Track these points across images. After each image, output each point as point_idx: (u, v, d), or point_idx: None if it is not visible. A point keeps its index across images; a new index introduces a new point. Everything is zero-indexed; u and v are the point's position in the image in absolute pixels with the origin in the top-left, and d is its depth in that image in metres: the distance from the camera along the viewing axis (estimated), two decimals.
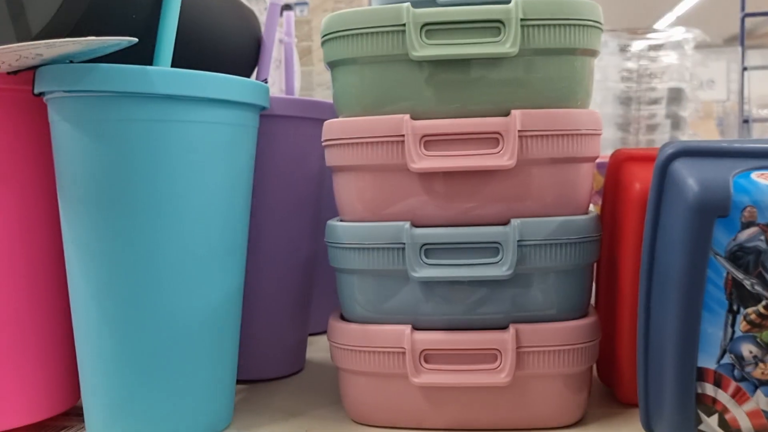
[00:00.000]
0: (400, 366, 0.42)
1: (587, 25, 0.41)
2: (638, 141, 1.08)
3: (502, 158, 0.40)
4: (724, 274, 0.33)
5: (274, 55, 0.64)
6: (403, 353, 0.42)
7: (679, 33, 1.07)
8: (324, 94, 0.91)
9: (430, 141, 0.41)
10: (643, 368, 0.37)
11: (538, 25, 0.40)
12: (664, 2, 4.62)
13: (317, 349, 0.63)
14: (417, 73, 0.41)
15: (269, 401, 0.50)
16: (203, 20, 0.47)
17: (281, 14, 0.92)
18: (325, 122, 0.44)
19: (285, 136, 0.51)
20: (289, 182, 0.52)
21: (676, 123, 1.08)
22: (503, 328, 0.41)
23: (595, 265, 0.45)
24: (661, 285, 0.35)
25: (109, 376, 0.40)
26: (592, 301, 0.47)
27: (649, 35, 1.04)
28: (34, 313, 0.43)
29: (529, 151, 0.40)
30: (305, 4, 1.13)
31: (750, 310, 0.33)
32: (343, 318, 0.45)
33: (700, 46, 1.25)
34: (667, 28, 1.06)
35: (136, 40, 0.38)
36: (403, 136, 0.40)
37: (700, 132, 1.94)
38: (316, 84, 0.92)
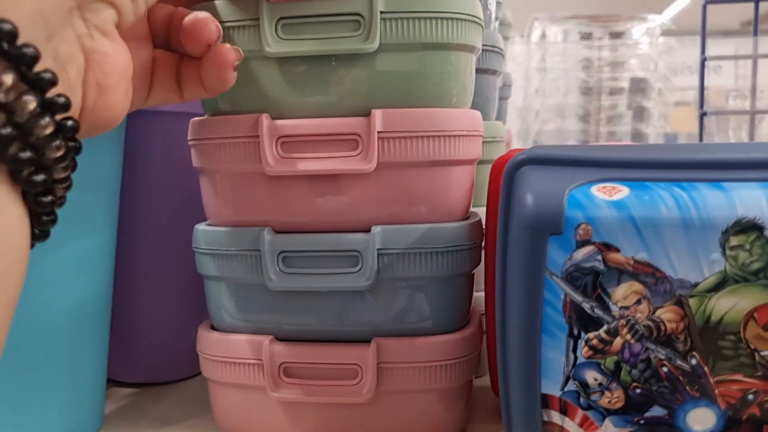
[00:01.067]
0: (260, 378, 0.39)
1: (460, 19, 0.38)
2: (599, 132, 1.04)
3: (361, 162, 0.37)
4: (562, 296, 0.30)
5: None
6: (262, 365, 0.39)
7: (645, 21, 1.03)
8: None
9: (287, 142, 0.38)
10: (504, 390, 0.35)
11: (402, 18, 0.37)
12: None
13: None
14: (275, 69, 0.38)
15: (150, 408, 0.48)
16: None
17: None
18: (191, 121, 0.41)
19: (161, 132, 0.48)
20: (173, 178, 0.49)
21: (639, 114, 1.04)
22: (367, 341, 0.39)
23: (475, 273, 0.43)
24: (509, 304, 0.33)
25: None
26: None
27: (611, 23, 0.99)
28: None
29: (391, 154, 0.37)
30: None
31: (591, 335, 0.30)
32: (211, 326, 0.43)
33: (683, 33, 1.20)
34: (632, 17, 1.01)
35: None
36: (258, 136, 0.38)
37: (680, 121, 1.89)
38: None
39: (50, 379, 0.39)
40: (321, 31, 0.37)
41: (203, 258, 0.41)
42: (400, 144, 0.37)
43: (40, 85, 0.22)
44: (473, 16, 0.39)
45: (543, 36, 1.07)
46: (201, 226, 0.41)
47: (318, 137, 0.38)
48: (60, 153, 0.23)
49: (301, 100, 0.38)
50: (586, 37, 1.00)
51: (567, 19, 1.00)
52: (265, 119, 0.38)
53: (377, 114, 0.37)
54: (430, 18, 0.37)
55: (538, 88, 1.09)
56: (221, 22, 0.38)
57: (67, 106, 0.23)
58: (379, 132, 0.37)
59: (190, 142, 0.41)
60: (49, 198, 0.23)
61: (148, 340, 0.51)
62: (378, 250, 0.38)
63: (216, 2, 0.38)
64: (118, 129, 0.42)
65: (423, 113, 0.38)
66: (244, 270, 0.39)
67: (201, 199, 0.51)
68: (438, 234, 0.38)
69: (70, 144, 0.24)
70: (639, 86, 1.02)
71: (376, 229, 0.38)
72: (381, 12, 0.37)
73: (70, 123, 0.23)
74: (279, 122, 0.38)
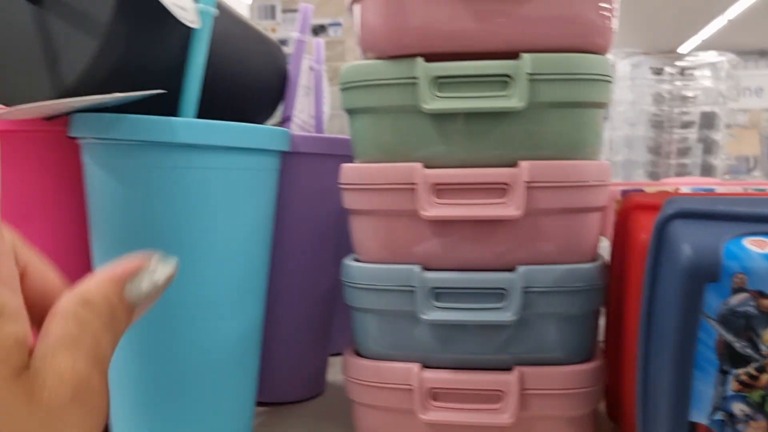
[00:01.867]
0: (409, 402, 0.43)
1: (596, 79, 0.42)
2: (669, 164, 1.07)
3: (509, 208, 0.41)
4: (716, 336, 0.34)
5: (303, 82, 0.66)
6: (411, 390, 0.43)
7: (712, 56, 1.06)
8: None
9: (441, 189, 0.42)
10: (642, 417, 0.39)
11: (546, 80, 0.41)
12: (714, 3, 4.53)
13: (337, 371, 0.65)
14: (429, 123, 0.42)
15: (287, 425, 0.52)
16: (231, 57, 0.50)
17: (314, 35, 0.95)
18: (343, 166, 0.46)
19: (308, 173, 0.53)
20: (312, 217, 0.54)
21: (708, 147, 1.07)
22: (508, 369, 0.43)
23: (602, 309, 0.46)
24: (657, 341, 0.36)
25: (136, 401, 0.43)
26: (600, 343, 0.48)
27: (682, 58, 1.03)
28: None
29: (536, 202, 0.42)
30: (339, 24, 1.15)
31: (741, 371, 0.34)
32: (357, 352, 0.47)
33: (746, 53, 1.23)
34: (700, 52, 1.04)
35: (161, 91, 0.41)
36: (415, 184, 0.42)
37: (743, 142, 1.90)
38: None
39: (215, 400, 0.44)
40: (473, 89, 0.42)
41: (356, 291, 0.45)
42: (545, 193, 0.41)
43: None
44: (607, 75, 0.43)
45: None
46: (354, 263, 0.46)
47: (469, 185, 0.42)
48: None
49: (452, 151, 0.43)
50: (658, 72, 1.04)
51: (637, 54, 1.03)
52: (421, 169, 0.42)
53: (525, 165, 0.41)
54: (572, 79, 0.41)
55: (606, 118, 1.12)
56: (380, 80, 0.42)
57: None
58: (526, 182, 0.41)
59: (343, 186, 0.46)
60: None
61: (277, 363, 0.56)
62: (523, 288, 0.42)
63: (375, 62, 0.43)
64: (274, 173, 0.46)
65: (566, 165, 0.42)
66: (396, 303, 0.43)
67: (331, 234, 0.55)
68: (576, 274, 0.42)
69: None
70: (708, 120, 1.05)
71: (521, 269, 0.42)
72: (527, 74, 0.41)
73: None
74: (433, 171, 0.42)
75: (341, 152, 0.55)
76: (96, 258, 0.43)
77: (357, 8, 0.45)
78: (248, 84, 0.53)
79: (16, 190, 0.45)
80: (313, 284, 0.55)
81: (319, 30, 0.95)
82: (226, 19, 0.48)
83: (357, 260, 0.47)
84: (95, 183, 0.42)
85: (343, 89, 0.45)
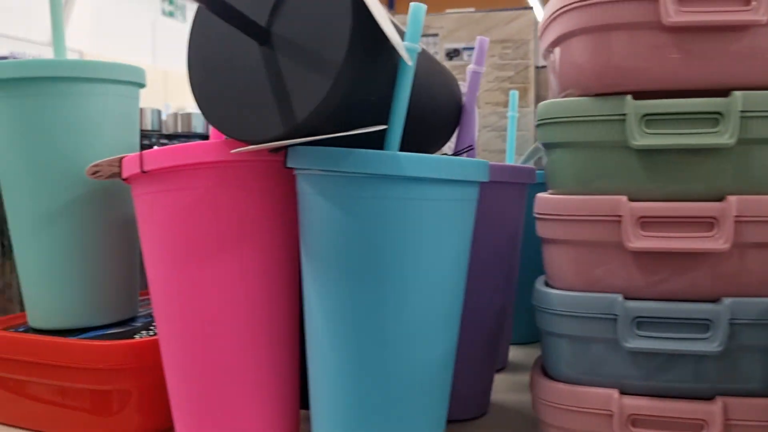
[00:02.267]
0: (608, 428, 0.45)
1: None
2: None
3: (717, 242, 0.43)
4: None
5: None
6: (611, 416, 0.45)
7: None
8: (487, 136, 0.95)
9: (646, 222, 0.44)
10: None
11: (757, 117, 0.42)
12: None
13: (496, 390, 0.67)
14: (634, 158, 0.44)
15: None
16: (423, 93, 0.52)
17: (448, 59, 0.97)
18: (539, 196, 0.48)
19: (488, 200, 0.55)
20: (488, 241, 0.56)
21: None
22: (708, 398, 0.44)
23: None
24: None
25: (342, 419, 0.46)
26: None
27: None
28: (271, 358, 0.50)
29: (744, 236, 0.43)
30: (472, 49, 1.18)
31: None
32: (545, 374, 0.49)
33: None
34: None
35: (384, 127, 0.44)
36: (620, 216, 0.44)
37: None
38: (481, 125, 0.97)
39: (416, 422, 0.46)
40: (682, 126, 0.43)
41: (553, 318, 0.47)
42: (753, 227, 0.42)
43: None
44: None
45: None
46: (549, 289, 0.47)
47: (675, 219, 0.43)
48: None
49: (656, 185, 0.44)
50: None
51: None
52: (627, 202, 0.44)
53: (733, 200, 0.42)
54: None
55: None
56: (586, 116, 0.44)
57: None
58: (735, 216, 0.42)
59: (541, 216, 0.47)
60: None
61: (453, 382, 0.58)
62: (729, 320, 0.43)
63: (581, 99, 0.45)
64: (475, 202, 0.48)
65: None
66: (597, 331, 0.45)
67: (505, 257, 0.57)
68: None
69: None
70: None
71: (727, 301, 0.43)
72: (739, 111, 0.42)
73: None
74: (639, 204, 0.44)
75: (517, 180, 0.57)
76: (306, 280, 0.46)
77: (558, 50, 0.47)
78: (433, 114, 0.55)
79: (230, 216, 0.48)
80: (486, 305, 0.57)
81: (453, 54, 0.98)
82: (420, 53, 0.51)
83: (548, 285, 0.49)
84: (315, 213, 0.45)
85: (542, 124, 0.47)
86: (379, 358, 0.44)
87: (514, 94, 0.73)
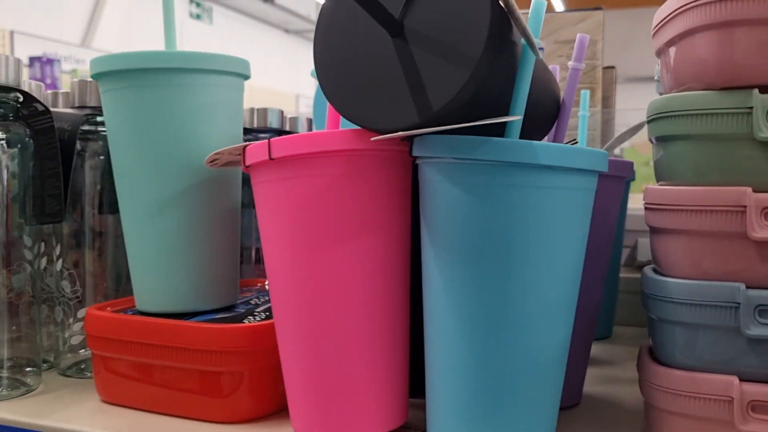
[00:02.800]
0: (728, 413, 0.46)
1: None
2: None
3: None
4: None
5: None
6: (730, 402, 0.46)
7: None
8: None
9: None
10: None
11: None
12: None
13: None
14: (758, 150, 0.45)
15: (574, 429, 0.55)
16: (532, 87, 0.54)
17: None
18: (650, 188, 0.49)
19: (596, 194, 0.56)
20: (592, 235, 0.57)
21: None
22: None
23: None
24: None
25: (463, 404, 0.47)
26: None
27: None
28: (386, 345, 0.51)
29: None
30: (541, 49, 1.19)
31: None
32: (657, 360, 0.50)
33: None
34: None
35: (518, 117, 0.45)
36: (744, 207, 0.45)
37: None
38: None
39: (539, 404, 0.47)
40: None
41: (670, 306, 0.48)
42: None
43: None
44: None
45: None
46: (662, 277, 0.49)
47: None
48: None
49: None
50: None
51: None
52: (752, 192, 0.45)
53: None
54: None
55: None
56: (710, 110, 0.46)
57: None
58: None
59: (653, 206, 0.49)
60: None
61: None
62: None
63: (705, 93, 0.46)
64: (594, 192, 0.50)
65: None
66: (717, 319, 0.46)
67: (604, 250, 0.58)
68: None
69: None
70: None
71: None
72: None
73: None
74: (763, 195, 0.45)
75: (617, 173, 0.58)
76: (430, 267, 0.48)
77: (675, 47, 0.48)
78: (537, 107, 0.57)
79: (354, 204, 0.50)
80: (586, 298, 0.59)
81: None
82: None
83: (658, 273, 0.50)
84: (444, 200, 0.46)
85: (658, 118, 0.49)
86: (503, 343, 0.46)
87: (586, 94, 0.74)
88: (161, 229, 0.59)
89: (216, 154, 0.54)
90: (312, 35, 0.51)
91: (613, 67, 1.02)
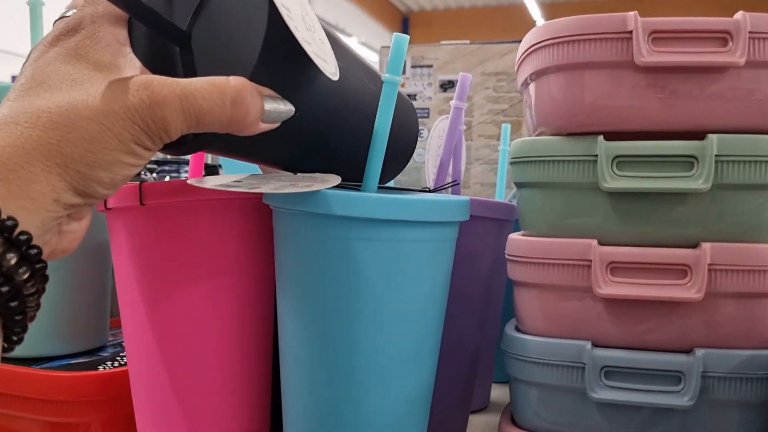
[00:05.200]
0: None
1: None
2: None
3: (690, 291, 0.41)
4: None
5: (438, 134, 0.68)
6: None
7: None
8: (480, 169, 0.94)
9: (616, 267, 0.42)
10: None
11: (733, 162, 0.41)
12: None
13: (474, 430, 0.64)
14: (605, 200, 0.42)
15: None
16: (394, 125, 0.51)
17: (443, 91, 0.96)
18: (511, 238, 0.46)
19: (466, 235, 0.53)
20: (460, 281, 0.54)
21: None
22: None
23: None
24: None
25: None
26: None
27: None
28: (243, 385, 0.49)
29: (718, 285, 0.41)
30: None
31: None
32: (513, 421, 0.47)
33: None
34: None
35: (339, 179, 0.42)
36: (589, 260, 0.42)
37: None
38: (474, 158, 0.96)
39: None
40: (655, 169, 0.41)
41: (519, 363, 0.45)
42: (726, 276, 0.41)
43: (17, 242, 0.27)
44: None
45: None
46: (518, 333, 0.46)
47: (647, 265, 0.42)
48: (26, 276, 0.28)
49: (627, 228, 0.42)
50: None
51: None
52: (597, 246, 0.42)
53: (707, 247, 0.41)
54: (759, 161, 0.41)
55: None
56: (557, 156, 0.43)
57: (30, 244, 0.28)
58: (708, 264, 0.40)
59: (511, 258, 0.46)
60: (21, 317, 0.29)
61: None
62: (701, 372, 0.41)
63: (552, 138, 0.43)
64: (454, 242, 0.47)
65: (749, 249, 0.41)
66: (564, 379, 0.43)
67: (478, 298, 0.55)
68: (759, 361, 0.41)
69: (36, 267, 0.28)
70: None
71: (699, 352, 0.41)
72: (714, 155, 0.40)
73: (33, 252, 0.28)
74: (610, 249, 0.42)
75: (491, 215, 0.55)
76: (282, 313, 0.45)
77: (533, 86, 0.46)
78: (396, 144, 0.54)
79: (209, 250, 0.47)
80: (459, 347, 0.56)
81: (447, 86, 0.97)
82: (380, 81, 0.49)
83: (518, 329, 0.47)
84: (285, 248, 0.44)
85: (515, 163, 0.46)
86: (351, 396, 0.43)
87: (506, 128, 0.72)
88: None
89: None
90: None
91: None
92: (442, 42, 0.95)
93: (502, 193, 0.72)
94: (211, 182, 0.43)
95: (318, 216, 0.41)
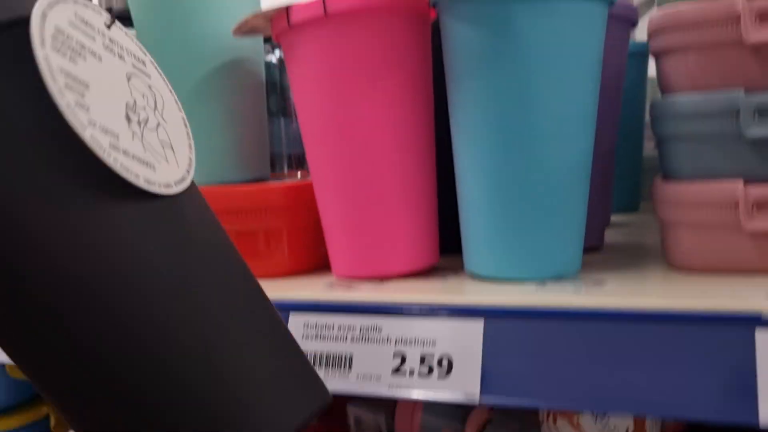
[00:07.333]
0: (733, 217, 0.48)
1: None
2: None
3: None
4: None
5: None
6: (736, 205, 0.48)
7: None
8: None
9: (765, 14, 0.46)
10: None
11: None
12: None
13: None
14: None
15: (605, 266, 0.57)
16: None
17: None
18: (653, 16, 0.51)
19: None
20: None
21: None
22: None
23: None
24: None
25: (486, 220, 0.51)
26: None
27: None
28: (418, 182, 0.55)
29: None
30: None
31: None
32: (664, 178, 0.53)
33: None
34: None
35: None
36: (738, 13, 0.47)
37: None
38: None
39: (558, 221, 0.50)
40: None
41: (672, 122, 0.50)
42: None
43: None
44: None
45: None
46: (674, 97, 0.51)
47: None
48: None
49: None
50: None
51: None
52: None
53: None
54: None
55: None
56: None
57: None
58: None
59: (656, 31, 0.51)
60: None
61: None
62: None
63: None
64: (605, 19, 0.52)
65: None
66: (718, 127, 0.48)
67: (616, 93, 0.60)
68: None
69: None
70: None
71: None
72: None
73: None
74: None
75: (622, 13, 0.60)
76: (455, 94, 0.51)
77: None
78: None
79: (385, 59, 0.53)
80: (599, 140, 0.60)
81: None
82: None
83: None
84: (456, 33, 0.49)
85: None
86: (524, 156, 0.49)
87: None
88: (197, 110, 0.63)
89: (246, 22, 0.57)
90: None
91: None
92: None
93: None
94: None
95: None
